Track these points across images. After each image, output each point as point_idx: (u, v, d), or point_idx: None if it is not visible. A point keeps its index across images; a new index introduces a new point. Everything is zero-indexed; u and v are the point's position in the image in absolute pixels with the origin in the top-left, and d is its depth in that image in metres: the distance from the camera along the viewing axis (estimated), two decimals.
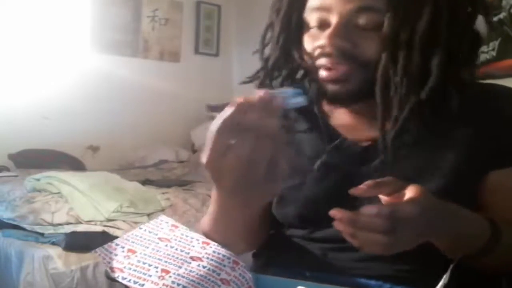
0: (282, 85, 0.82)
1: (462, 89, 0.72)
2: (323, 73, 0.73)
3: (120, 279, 0.56)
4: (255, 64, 0.85)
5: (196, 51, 3.91)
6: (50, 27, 3.01)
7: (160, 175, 3.11)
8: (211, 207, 0.75)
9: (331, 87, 0.73)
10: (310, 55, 0.75)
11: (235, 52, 4.10)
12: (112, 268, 0.57)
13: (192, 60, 3.88)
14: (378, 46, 0.70)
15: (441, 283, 0.59)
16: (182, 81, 3.72)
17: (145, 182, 2.74)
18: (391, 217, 0.57)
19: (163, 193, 2.51)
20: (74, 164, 3.05)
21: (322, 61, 0.72)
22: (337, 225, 0.59)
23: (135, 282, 0.56)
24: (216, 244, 0.64)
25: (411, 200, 0.60)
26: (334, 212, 0.59)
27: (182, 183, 2.84)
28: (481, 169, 0.73)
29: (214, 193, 0.71)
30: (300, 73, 0.84)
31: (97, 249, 0.59)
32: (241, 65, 4.03)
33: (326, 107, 0.85)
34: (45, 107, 3.00)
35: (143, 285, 0.56)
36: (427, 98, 0.69)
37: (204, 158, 0.54)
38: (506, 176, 0.73)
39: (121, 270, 0.57)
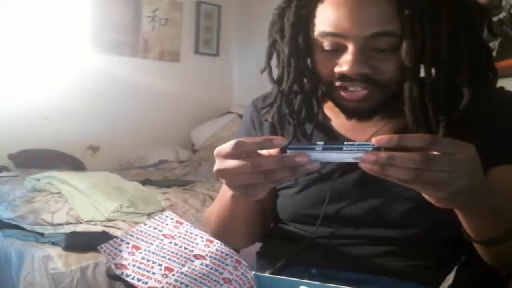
0: (300, 109, 0.81)
1: (491, 99, 0.72)
2: (342, 93, 0.75)
3: (124, 276, 0.56)
4: (255, 64, 0.84)
5: (196, 51, 3.91)
6: (50, 27, 3.01)
7: (160, 175, 3.11)
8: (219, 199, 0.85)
9: (349, 104, 0.75)
10: (326, 76, 0.76)
11: (235, 52, 4.10)
12: (116, 265, 0.57)
13: (192, 60, 3.87)
14: (396, 65, 0.71)
15: (446, 282, 0.58)
16: (182, 81, 3.72)
17: (145, 182, 2.74)
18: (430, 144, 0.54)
19: (163, 193, 2.51)
20: (74, 164, 3.04)
21: (341, 83, 0.74)
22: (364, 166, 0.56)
23: (139, 280, 0.56)
24: (219, 242, 0.64)
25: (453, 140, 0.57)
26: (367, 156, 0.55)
27: (182, 183, 2.84)
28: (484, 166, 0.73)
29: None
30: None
31: (102, 245, 0.59)
32: (241, 65, 4.04)
33: (327, 110, 0.86)
34: (45, 107, 3.00)
35: (146, 282, 0.56)
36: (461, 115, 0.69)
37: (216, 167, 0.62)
38: (506, 171, 0.73)
39: (126, 267, 0.57)
